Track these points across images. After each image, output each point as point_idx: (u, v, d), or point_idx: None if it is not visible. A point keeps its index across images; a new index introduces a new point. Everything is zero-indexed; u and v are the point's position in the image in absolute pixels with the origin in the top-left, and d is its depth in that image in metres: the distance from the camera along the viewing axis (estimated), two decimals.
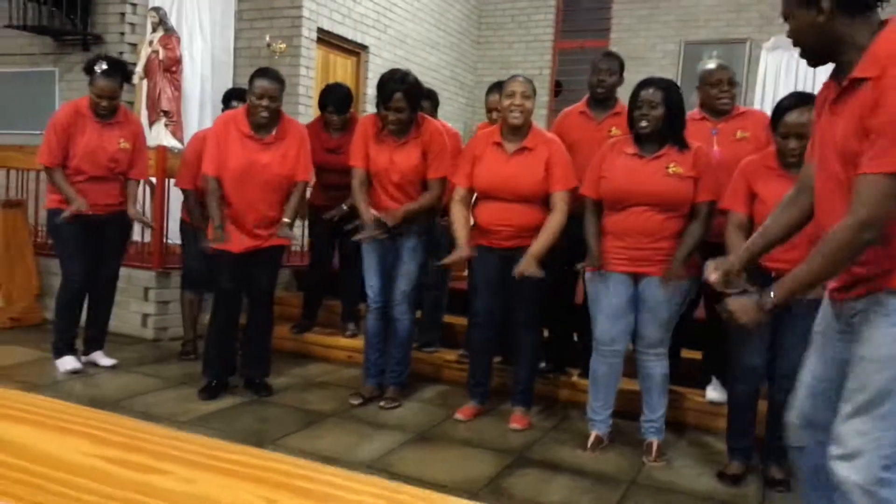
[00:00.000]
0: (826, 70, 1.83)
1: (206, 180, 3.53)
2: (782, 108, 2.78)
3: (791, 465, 2.87)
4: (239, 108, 3.64)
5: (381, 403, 3.64)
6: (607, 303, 3.12)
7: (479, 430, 3.43)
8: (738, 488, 2.95)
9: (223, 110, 4.15)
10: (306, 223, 4.69)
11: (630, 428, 3.45)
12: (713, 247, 3.19)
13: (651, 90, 2.99)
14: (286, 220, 3.55)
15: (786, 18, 1.83)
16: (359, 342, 4.19)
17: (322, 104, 4.39)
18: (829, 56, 1.79)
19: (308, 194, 4.22)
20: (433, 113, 4.17)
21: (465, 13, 8.70)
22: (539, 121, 8.18)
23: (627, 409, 3.49)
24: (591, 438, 3.25)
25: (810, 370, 1.98)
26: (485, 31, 9.00)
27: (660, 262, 3.02)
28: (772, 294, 1.84)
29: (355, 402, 3.65)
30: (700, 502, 2.80)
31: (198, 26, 5.98)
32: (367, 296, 3.68)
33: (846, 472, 1.73)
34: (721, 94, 3.44)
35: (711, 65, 3.56)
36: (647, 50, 8.01)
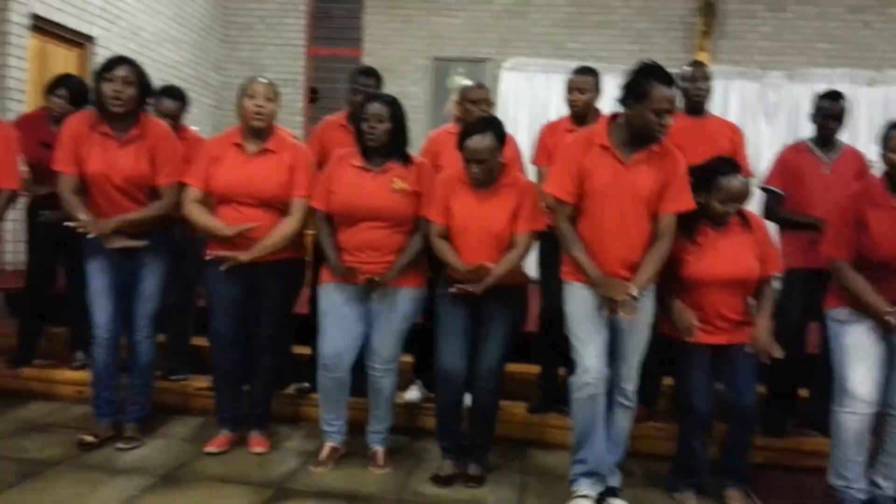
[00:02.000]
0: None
1: None
2: (466, 132, 2.96)
3: (486, 464, 3.15)
4: None
5: (119, 444, 3.21)
6: (338, 316, 3.09)
7: (235, 462, 3.16)
8: (451, 489, 3.03)
9: None
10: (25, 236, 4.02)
11: (398, 442, 3.42)
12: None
13: (378, 105, 3.05)
14: None
15: (670, 114, 2.70)
16: (89, 375, 3.69)
17: (52, 87, 3.86)
18: None
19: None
20: (181, 114, 3.80)
21: (207, 9, 8.18)
22: (295, 127, 7.97)
23: (399, 424, 3.46)
24: (326, 450, 3.20)
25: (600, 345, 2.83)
26: (232, 30, 8.54)
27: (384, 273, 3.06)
28: (635, 291, 2.68)
29: (88, 438, 3.19)
30: None
31: None
32: (93, 326, 3.22)
33: (634, 399, 2.93)
34: (479, 112, 3.53)
35: (465, 80, 3.68)
36: (400, 63, 8.14)
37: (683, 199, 2.80)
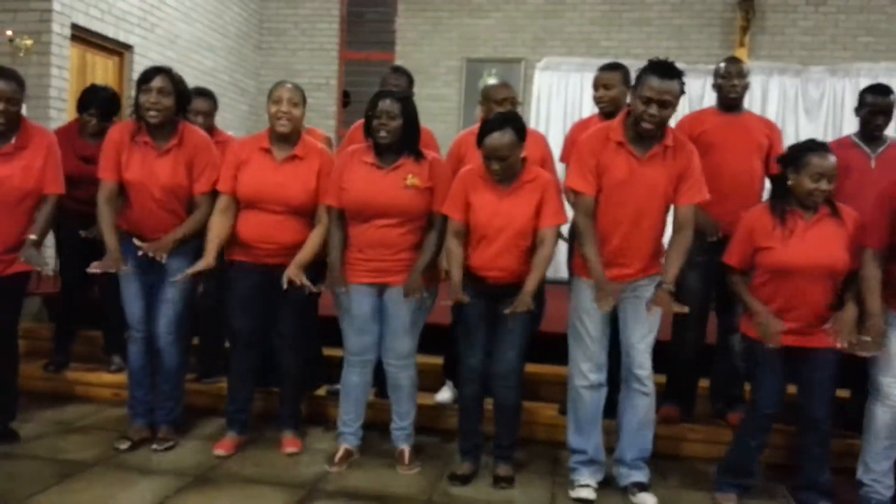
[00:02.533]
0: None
1: None
2: (485, 129, 2.93)
3: (513, 463, 3.17)
4: None
5: (154, 446, 3.26)
6: (355, 314, 3.12)
7: (268, 464, 3.18)
8: (468, 488, 3.04)
9: None
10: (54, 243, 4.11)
11: (428, 443, 3.44)
12: None
13: (389, 101, 3.03)
14: (32, 237, 3.04)
15: (668, 106, 2.72)
16: (126, 377, 3.76)
17: (83, 106, 3.92)
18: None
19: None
20: (213, 113, 3.84)
21: (244, 16, 8.29)
22: (328, 130, 8.00)
23: (424, 426, 3.48)
24: (340, 452, 3.21)
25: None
26: (267, 36, 8.65)
27: (401, 272, 3.06)
28: (665, 284, 2.78)
29: (122, 446, 3.22)
30: None
31: None
32: (128, 325, 3.28)
33: (651, 384, 2.94)
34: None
35: (495, 80, 3.65)
36: (431, 65, 8.15)
37: (697, 191, 2.88)
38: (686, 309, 2.82)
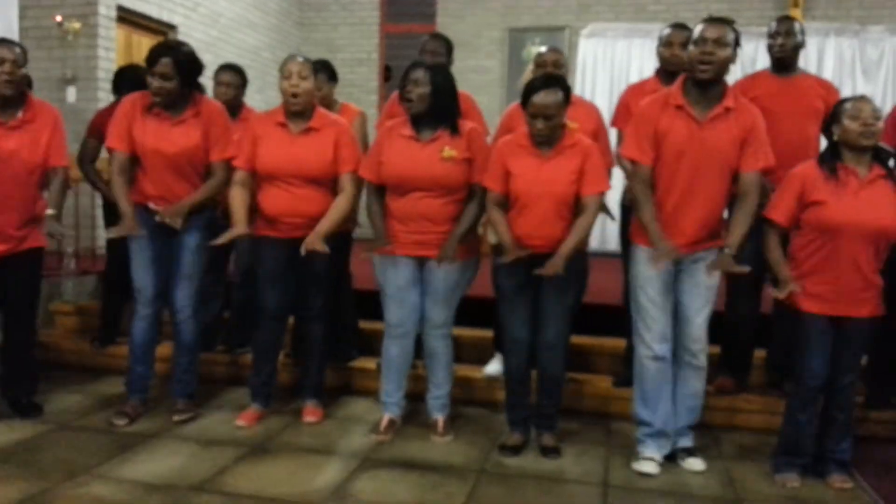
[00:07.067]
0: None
1: None
2: (531, 88, 2.88)
3: (557, 432, 3.15)
4: None
5: (175, 417, 3.32)
6: (394, 286, 3.13)
7: (325, 434, 3.23)
8: (519, 458, 3.04)
9: None
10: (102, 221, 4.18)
11: (478, 415, 3.45)
12: None
13: (418, 71, 3.03)
14: (51, 211, 3.08)
15: (720, 44, 2.68)
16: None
17: (120, 87, 3.96)
18: (715, 83, 2.75)
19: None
20: (241, 87, 3.84)
21: None
22: (370, 106, 8.03)
23: (475, 398, 3.51)
24: (384, 421, 3.25)
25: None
26: (307, 12, 8.65)
27: (441, 244, 3.06)
28: (728, 249, 2.74)
29: (120, 422, 3.26)
30: (551, 485, 2.80)
31: None
32: (135, 301, 3.31)
33: (704, 359, 2.93)
34: None
35: (544, 48, 3.59)
36: (473, 36, 8.05)
37: (763, 155, 2.78)
38: (747, 269, 2.76)
